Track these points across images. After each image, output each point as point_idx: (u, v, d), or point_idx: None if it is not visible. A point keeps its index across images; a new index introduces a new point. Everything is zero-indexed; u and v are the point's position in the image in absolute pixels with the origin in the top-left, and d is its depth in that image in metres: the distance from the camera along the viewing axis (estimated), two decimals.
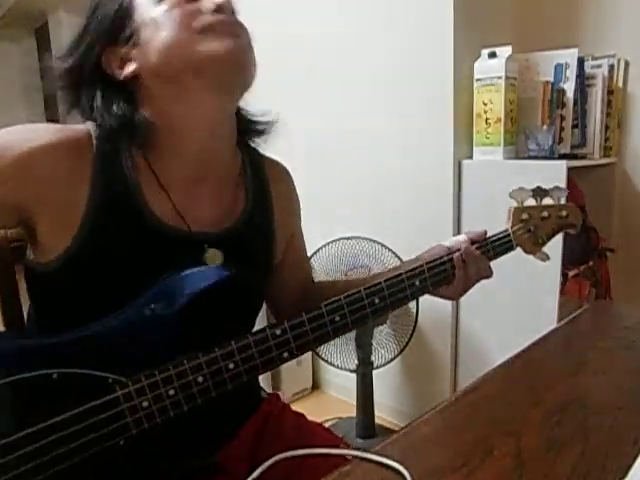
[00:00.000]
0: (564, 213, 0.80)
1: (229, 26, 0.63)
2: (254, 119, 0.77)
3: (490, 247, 0.77)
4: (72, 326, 0.57)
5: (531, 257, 0.81)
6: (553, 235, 0.81)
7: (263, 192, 0.77)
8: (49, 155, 0.59)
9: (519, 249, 0.80)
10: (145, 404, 0.56)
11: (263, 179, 0.78)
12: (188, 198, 0.67)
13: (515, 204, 0.79)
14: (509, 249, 0.78)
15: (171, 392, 0.57)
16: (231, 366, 0.59)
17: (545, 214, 0.79)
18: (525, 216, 0.79)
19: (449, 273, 0.74)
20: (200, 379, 0.58)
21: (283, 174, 0.83)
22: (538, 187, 0.79)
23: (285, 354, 0.62)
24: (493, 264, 0.78)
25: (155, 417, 0.57)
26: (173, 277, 0.60)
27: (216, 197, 0.70)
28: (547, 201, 0.80)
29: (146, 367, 0.57)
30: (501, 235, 0.78)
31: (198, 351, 0.59)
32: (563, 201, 0.81)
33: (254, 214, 0.74)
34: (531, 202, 0.79)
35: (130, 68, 0.64)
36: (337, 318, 0.65)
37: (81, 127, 0.64)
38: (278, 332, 0.61)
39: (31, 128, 0.62)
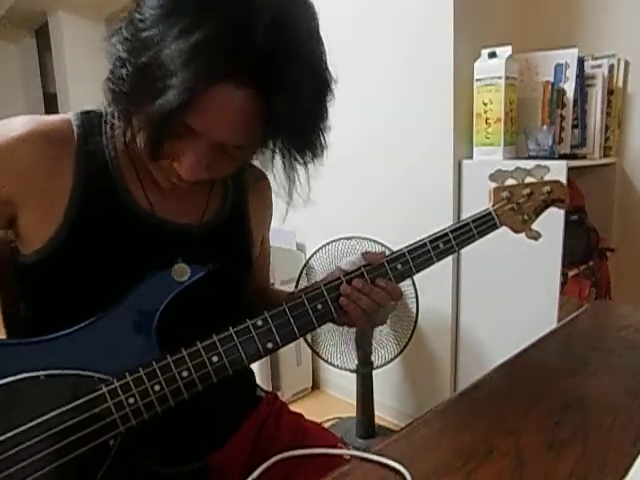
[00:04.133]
0: (548, 188, 0.79)
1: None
2: None
3: (471, 226, 0.75)
4: (60, 319, 0.58)
5: (529, 259, 0.80)
6: (540, 211, 0.80)
7: (240, 195, 0.78)
8: (26, 146, 0.59)
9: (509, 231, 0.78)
10: (131, 400, 0.56)
11: (241, 182, 0.78)
12: (165, 189, 0.67)
13: (495, 185, 0.78)
14: (492, 227, 0.76)
15: (156, 387, 0.57)
16: (215, 359, 0.60)
17: (528, 191, 0.78)
18: (506, 194, 0.77)
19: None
20: (185, 373, 0.58)
21: (263, 185, 0.82)
22: (517, 167, 0.78)
23: (269, 344, 0.62)
24: (493, 263, 0.77)
25: (142, 413, 0.57)
26: (151, 278, 0.61)
27: (193, 190, 0.69)
28: (529, 180, 0.79)
29: (131, 365, 0.58)
30: (481, 214, 0.76)
31: (182, 346, 0.59)
32: (546, 178, 0.80)
33: (230, 215, 0.75)
34: (512, 182, 0.79)
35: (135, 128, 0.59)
36: (319, 306, 0.65)
37: (62, 117, 0.64)
38: (259, 323, 0.62)
39: (4, 122, 0.62)
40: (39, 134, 0.60)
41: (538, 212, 0.80)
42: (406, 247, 0.71)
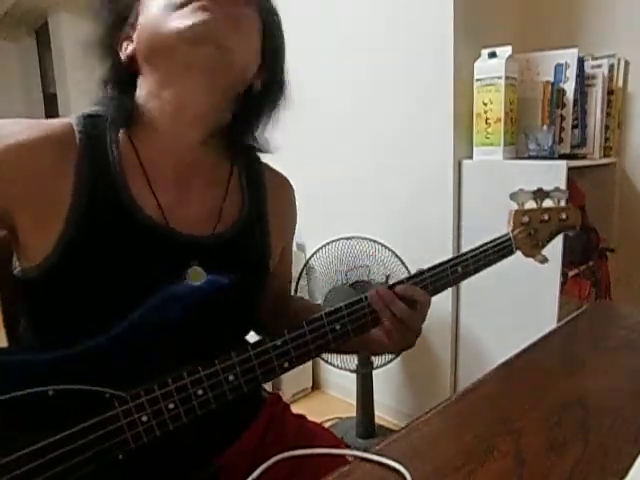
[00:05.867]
0: (564, 215, 0.80)
1: (206, 1, 0.59)
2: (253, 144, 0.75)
3: (490, 251, 0.75)
4: (63, 334, 0.56)
5: (530, 260, 0.80)
6: (552, 238, 0.81)
7: (259, 200, 0.75)
8: (28, 151, 0.57)
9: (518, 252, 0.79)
10: (144, 419, 0.55)
11: (260, 187, 0.76)
12: (176, 197, 0.66)
13: (515, 206, 0.78)
14: (509, 253, 0.76)
15: (170, 406, 0.56)
16: (231, 378, 0.58)
17: (545, 217, 0.78)
18: (526, 219, 0.77)
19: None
20: (200, 392, 0.57)
21: (284, 186, 0.81)
22: (539, 189, 0.78)
23: (286, 364, 0.62)
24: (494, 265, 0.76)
25: (154, 431, 0.56)
26: (169, 289, 0.59)
27: (205, 199, 0.69)
28: (547, 203, 0.79)
29: (143, 379, 0.56)
30: (501, 239, 0.76)
31: (196, 359, 0.58)
32: (563, 203, 0.80)
33: (248, 221, 0.72)
34: (531, 204, 0.78)
35: (128, 49, 0.65)
36: (338, 327, 0.65)
37: (63, 121, 0.62)
38: (279, 343, 0.61)
39: (8, 123, 0.60)
40: (40, 140, 0.58)
41: (550, 238, 0.80)
42: (427, 269, 0.71)
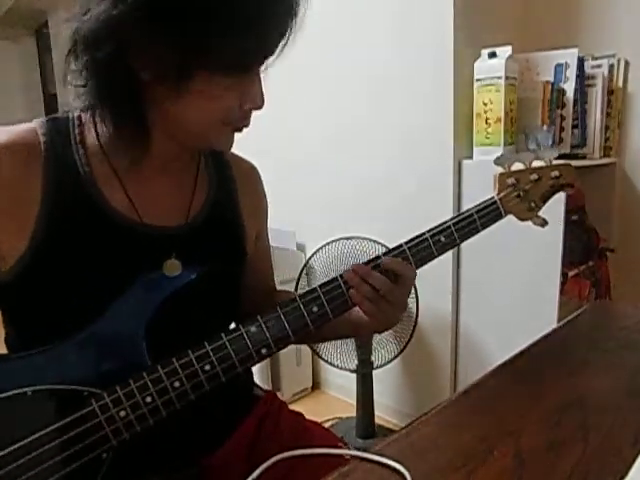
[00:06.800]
0: (556, 173, 0.74)
1: (243, 129, 0.65)
2: None
3: (475, 217, 0.71)
4: (43, 336, 0.57)
5: (530, 260, 0.79)
6: (548, 197, 0.76)
7: (228, 187, 0.76)
8: None
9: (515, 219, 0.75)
10: (122, 414, 0.56)
11: (228, 175, 0.77)
12: (146, 190, 0.66)
13: (501, 170, 0.74)
14: (497, 217, 0.72)
15: (148, 399, 0.56)
16: (207, 367, 0.59)
17: (535, 176, 0.73)
18: (512, 180, 0.73)
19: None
20: (177, 384, 0.57)
21: (250, 171, 0.82)
22: (524, 151, 0.75)
23: (263, 350, 0.61)
24: (493, 262, 0.76)
25: (134, 426, 0.56)
26: (138, 285, 0.60)
27: (175, 190, 0.69)
28: (537, 163, 0.74)
29: (121, 376, 0.56)
30: (486, 204, 0.72)
31: (174, 355, 0.58)
32: (554, 161, 0.75)
33: (217, 209, 0.72)
34: (519, 167, 0.74)
35: (149, 81, 0.57)
36: (315, 309, 0.63)
37: (26, 126, 0.63)
38: (253, 329, 0.61)
39: None
40: (4, 146, 0.59)
41: (545, 198, 0.75)
42: (405, 242, 0.69)
